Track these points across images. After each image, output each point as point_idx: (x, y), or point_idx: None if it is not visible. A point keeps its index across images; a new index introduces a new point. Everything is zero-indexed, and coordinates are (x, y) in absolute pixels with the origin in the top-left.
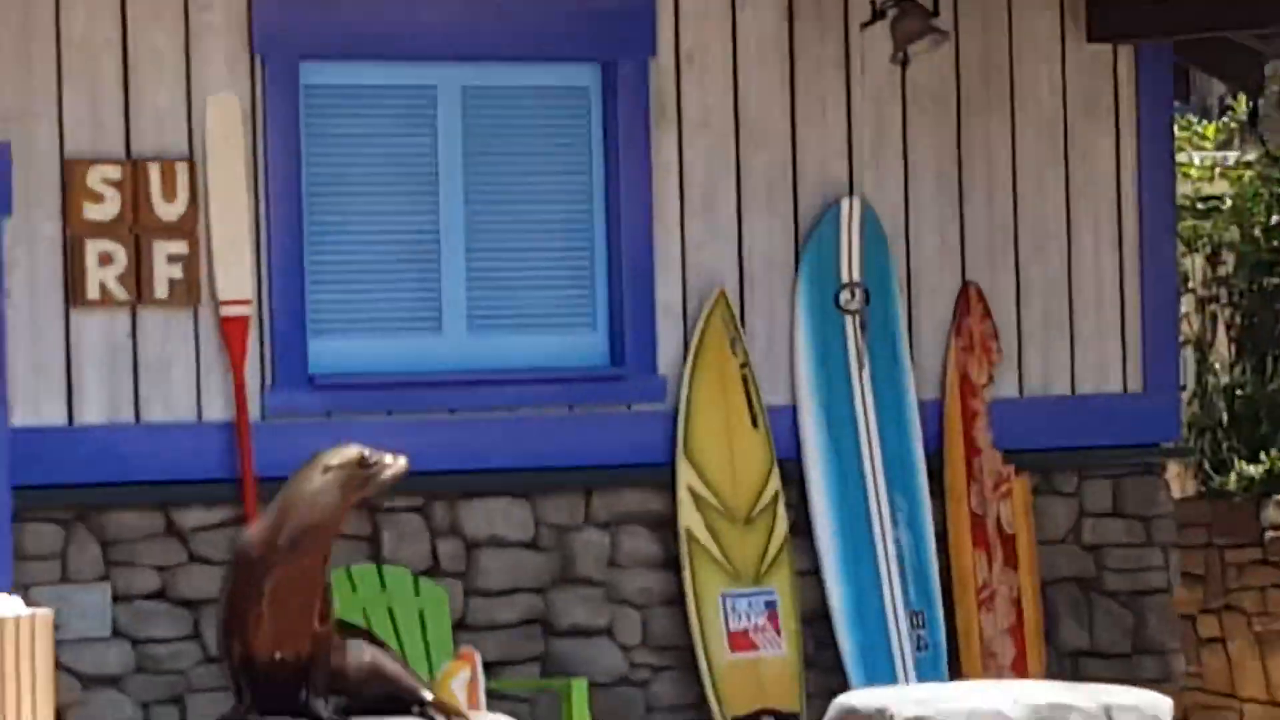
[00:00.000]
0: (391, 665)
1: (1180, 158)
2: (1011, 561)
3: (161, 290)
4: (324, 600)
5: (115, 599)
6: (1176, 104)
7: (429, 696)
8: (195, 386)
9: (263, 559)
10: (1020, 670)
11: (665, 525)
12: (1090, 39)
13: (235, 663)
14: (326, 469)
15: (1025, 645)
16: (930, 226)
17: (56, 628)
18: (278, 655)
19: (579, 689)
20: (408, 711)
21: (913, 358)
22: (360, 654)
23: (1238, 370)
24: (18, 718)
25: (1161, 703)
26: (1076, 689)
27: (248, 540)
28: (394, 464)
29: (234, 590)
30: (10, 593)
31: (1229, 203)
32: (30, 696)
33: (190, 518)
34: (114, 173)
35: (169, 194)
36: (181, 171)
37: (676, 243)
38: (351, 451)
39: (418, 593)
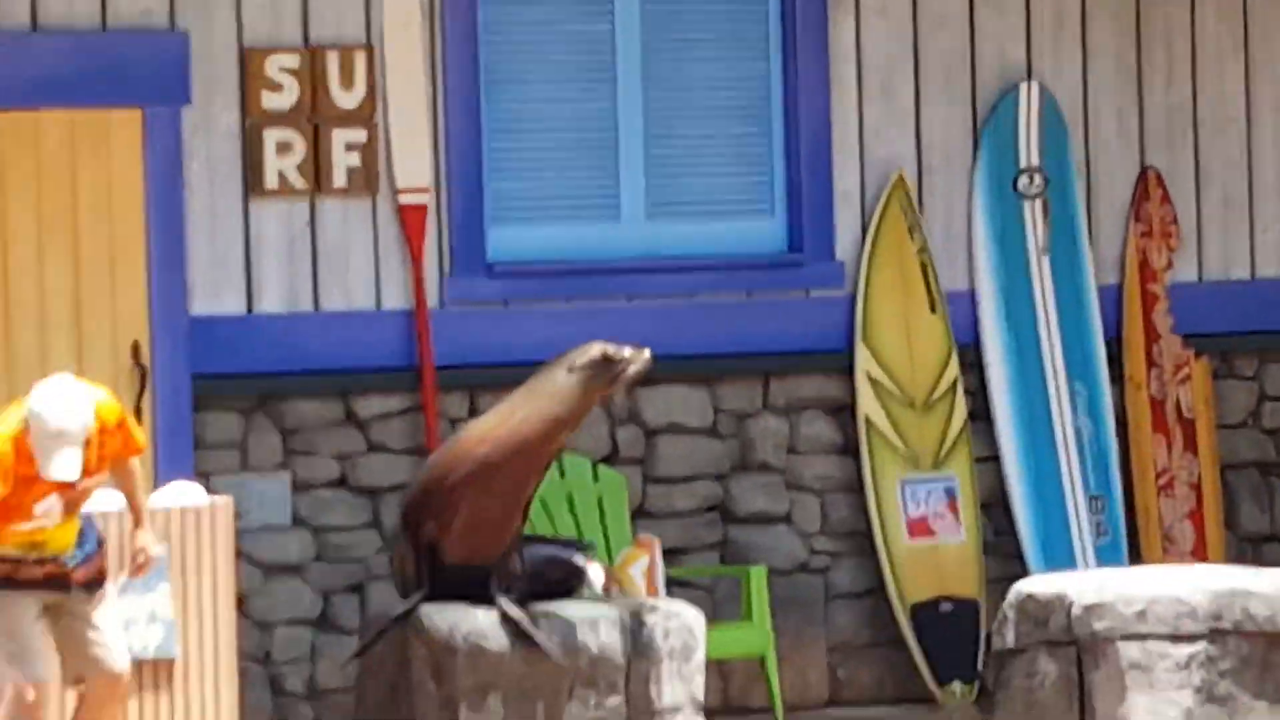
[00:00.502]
0: (556, 553)
1: None
2: (1191, 446)
3: (340, 179)
4: (527, 508)
5: (295, 488)
6: None
7: (599, 575)
8: (374, 275)
9: (487, 456)
10: (1200, 556)
11: (843, 411)
12: None
13: (421, 550)
14: (571, 369)
15: (1205, 531)
16: (1109, 111)
17: (237, 516)
18: (476, 553)
19: (758, 576)
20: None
21: (1091, 243)
22: (533, 550)
23: None
24: (199, 603)
25: None
26: (1258, 574)
27: (472, 434)
28: (638, 358)
29: (445, 481)
30: (191, 481)
31: None
32: (211, 585)
33: (369, 406)
34: (292, 61)
35: (347, 82)
36: (360, 59)
37: (854, 128)
38: (594, 349)
39: (596, 480)
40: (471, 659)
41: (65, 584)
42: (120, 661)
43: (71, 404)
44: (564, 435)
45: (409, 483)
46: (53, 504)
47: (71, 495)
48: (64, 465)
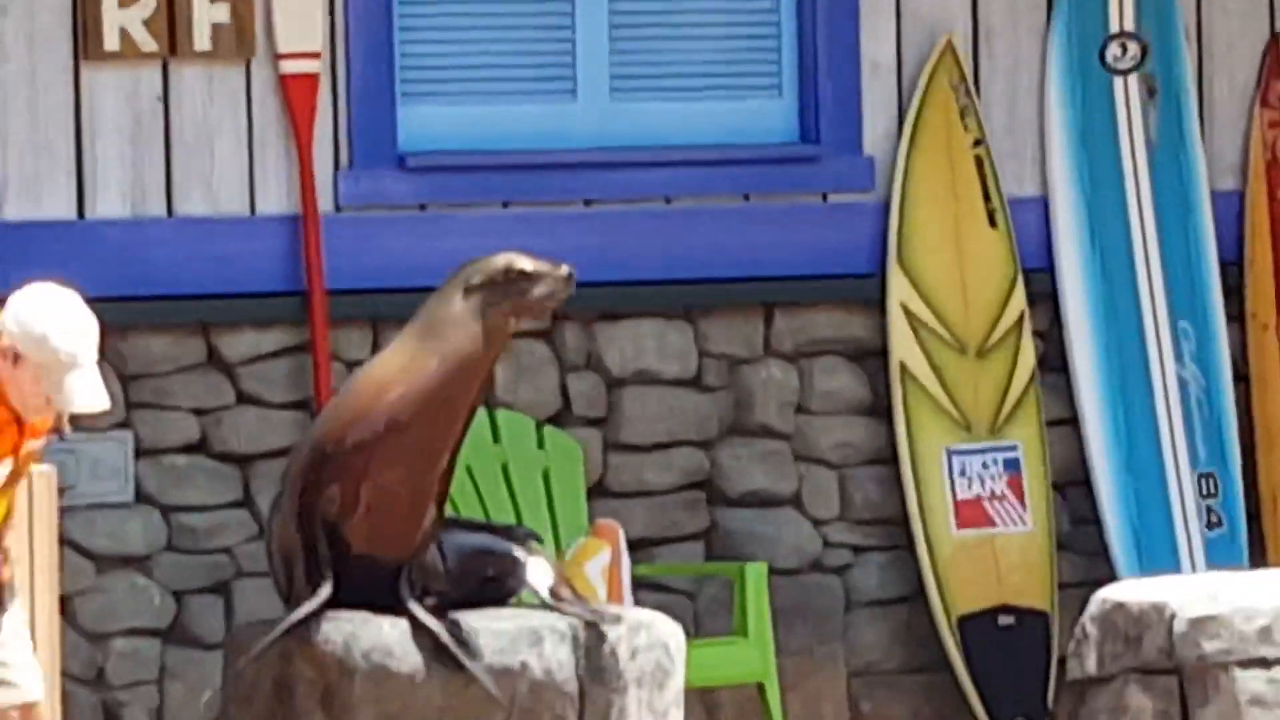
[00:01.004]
0: (498, 546)
1: None
2: None
3: (202, 40)
4: (447, 481)
5: (139, 453)
6: None
7: (545, 577)
8: (246, 169)
9: (390, 412)
10: None
11: (871, 357)
12: None
13: (314, 538)
14: (468, 289)
15: None
16: None
17: (60, 491)
18: (382, 542)
19: (755, 576)
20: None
21: (1204, 135)
22: (459, 540)
23: None
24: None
25: None
26: None
27: (367, 382)
28: (552, 274)
29: (343, 444)
30: None
31: None
32: (26, 580)
33: (239, 344)
34: None
35: None
36: None
37: None
38: (497, 262)
39: (541, 446)
40: (373, 683)
41: None
42: (34, 687)
43: (83, 316)
44: (476, 382)
45: (295, 447)
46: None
47: (26, 455)
48: (89, 392)
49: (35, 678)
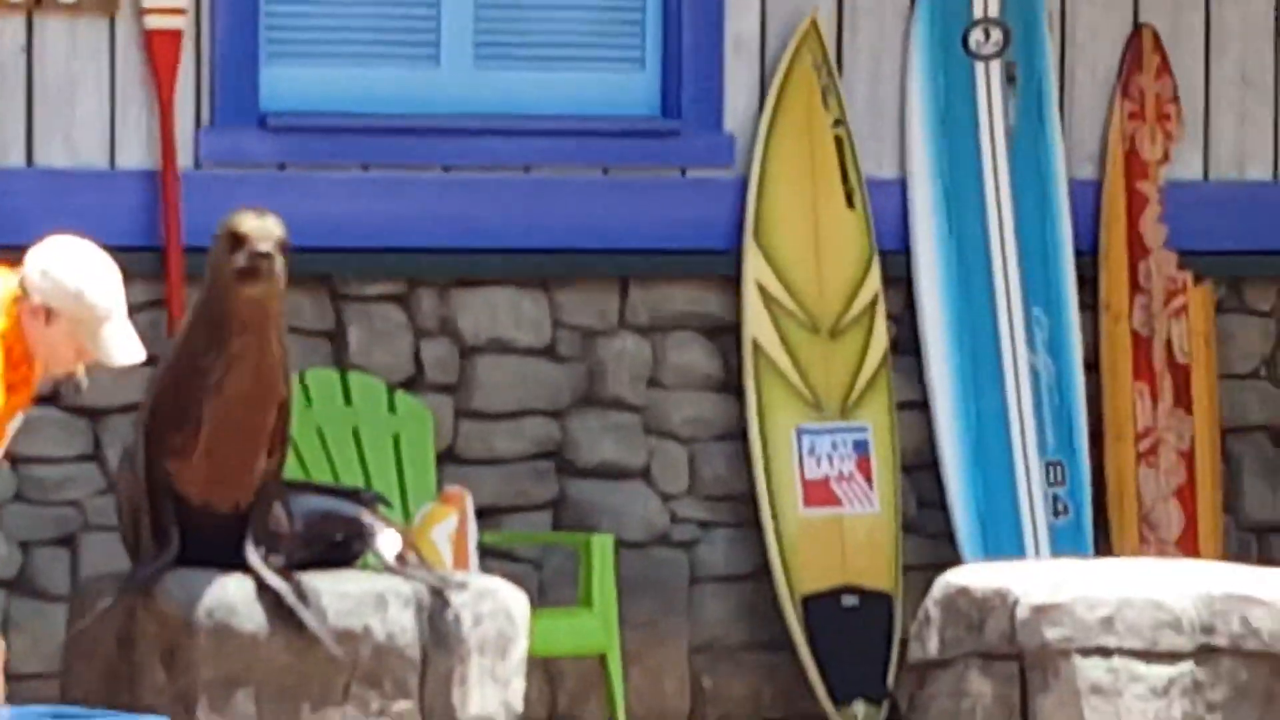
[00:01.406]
0: (333, 506)
1: None
2: (1184, 401)
3: None
4: (279, 424)
5: None
6: None
7: (391, 542)
8: (108, 122)
9: (198, 366)
10: (1189, 547)
11: (725, 333)
12: None
13: (159, 492)
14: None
15: (1196, 513)
16: None
17: None
18: (213, 498)
19: (601, 547)
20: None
21: (1064, 123)
22: (305, 502)
23: None
24: None
25: None
26: (1263, 576)
27: (179, 339)
28: (250, 251)
29: (161, 405)
30: None
31: None
32: None
33: None
34: None
35: None
36: None
37: None
38: (226, 220)
39: (393, 410)
40: (216, 642)
41: None
42: None
43: (112, 269)
44: (245, 336)
45: (140, 403)
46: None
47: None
48: (127, 345)
49: None
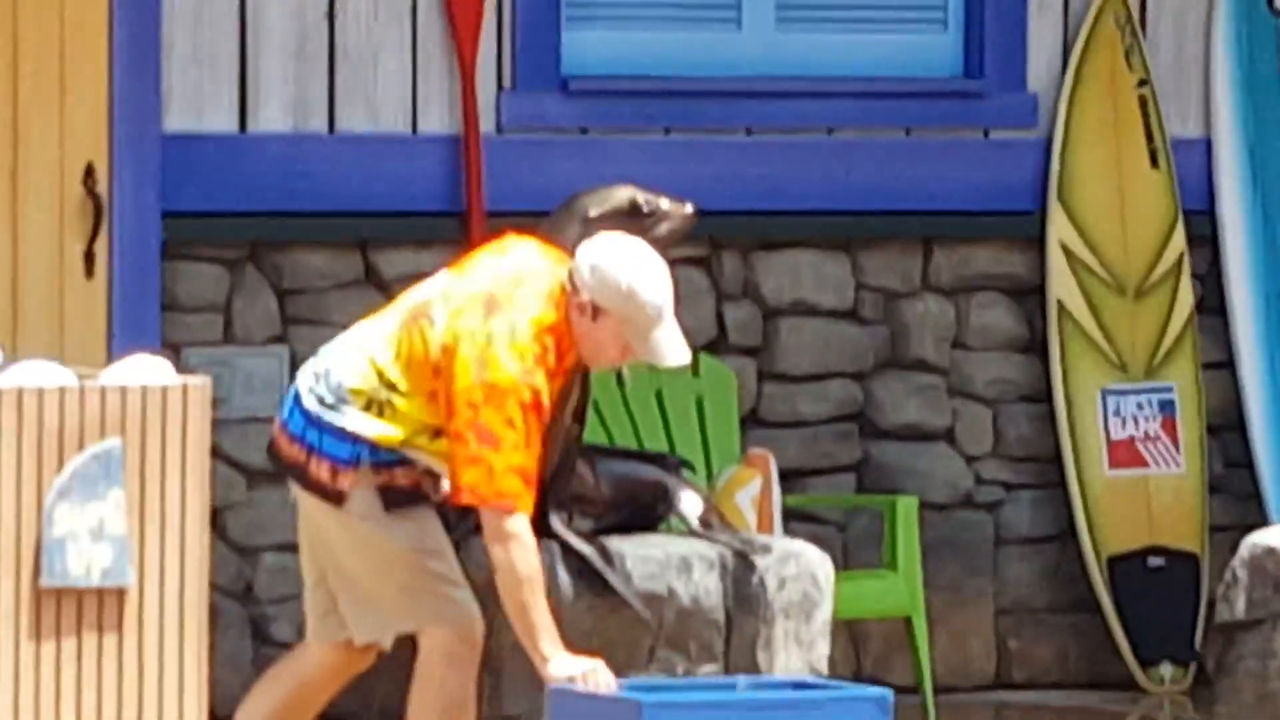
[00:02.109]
0: (642, 472)
1: None
2: None
3: None
4: (582, 392)
5: (294, 368)
6: None
7: (696, 505)
8: (410, 88)
9: None
10: None
11: (1029, 294)
12: None
13: None
14: (587, 219)
15: None
16: None
17: (215, 404)
18: None
19: (906, 510)
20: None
21: None
22: (610, 467)
23: None
24: (162, 518)
25: None
26: None
27: None
28: (677, 213)
29: None
30: (156, 354)
31: None
32: (179, 493)
33: (397, 262)
34: None
35: None
36: None
37: None
38: (620, 195)
39: (696, 374)
40: None
41: None
42: None
43: (662, 268)
44: None
45: None
46: None
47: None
48: (675, 346)
49: None
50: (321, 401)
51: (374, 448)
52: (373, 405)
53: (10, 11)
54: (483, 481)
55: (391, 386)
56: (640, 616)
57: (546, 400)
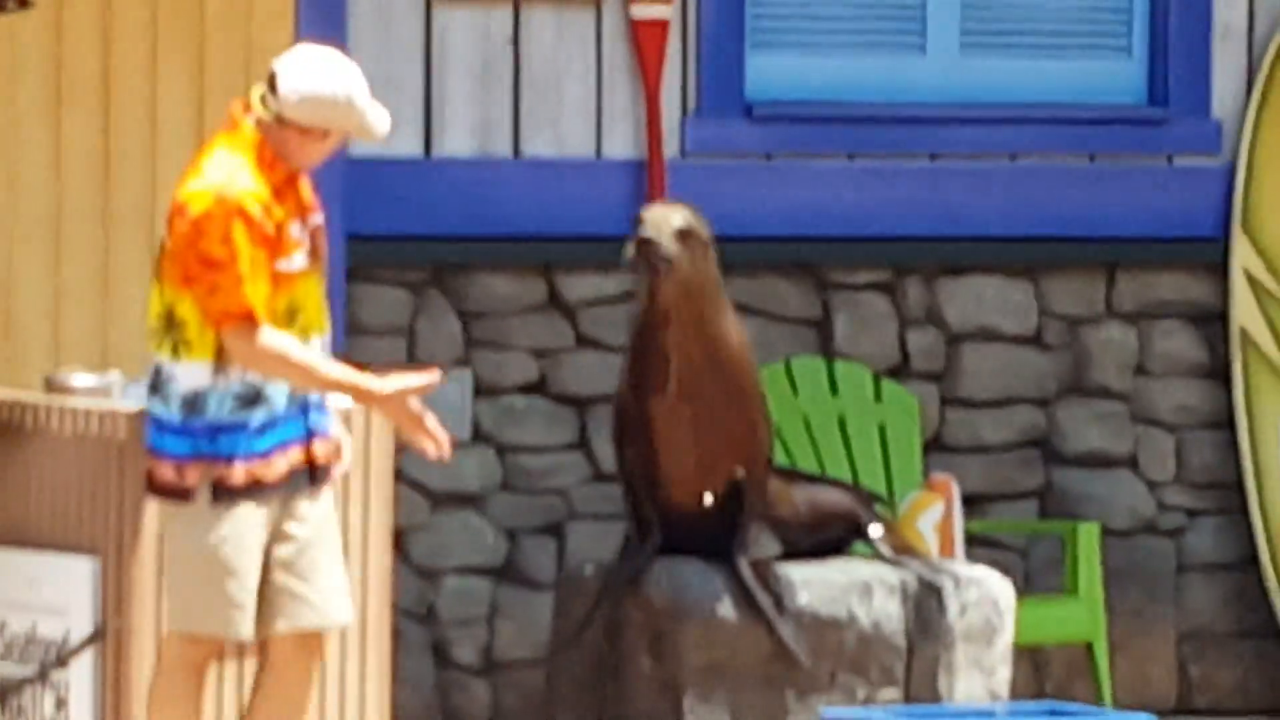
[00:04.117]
0: (834, 497)
1: None
2: None
3: None
4: (740, 419)
5: (478, 392)
6: None
7: (879, 531)
8: (594, 113)
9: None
10: None
11: (1213, 321)
12: None
13: (637, 492)
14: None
15: None
16: None
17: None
18: (679, 495)
19: (1088, 536)
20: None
21: None
22: (806, 495)
23: None
24: (344, 539)
25: None
26: None
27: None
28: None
29: (621, 404)
30: None
31: None
32: (361, 516)
33: (580, 286)
34: None
35: None
36: None
37: None
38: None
39: (879, 398)
40: (703, 631)
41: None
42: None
43: (341, 58)
44: (658, 333)
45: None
46: (300, 228)
47: (317, 229)
48: (382, 115)
49: (343, 602)
50: (152, 389)
51: (211, 435)
52: (175, 348)
53: (198, 35)
54: (228, 300)
55: (170, 317)
56: (799, 659)
57: (257, 209)
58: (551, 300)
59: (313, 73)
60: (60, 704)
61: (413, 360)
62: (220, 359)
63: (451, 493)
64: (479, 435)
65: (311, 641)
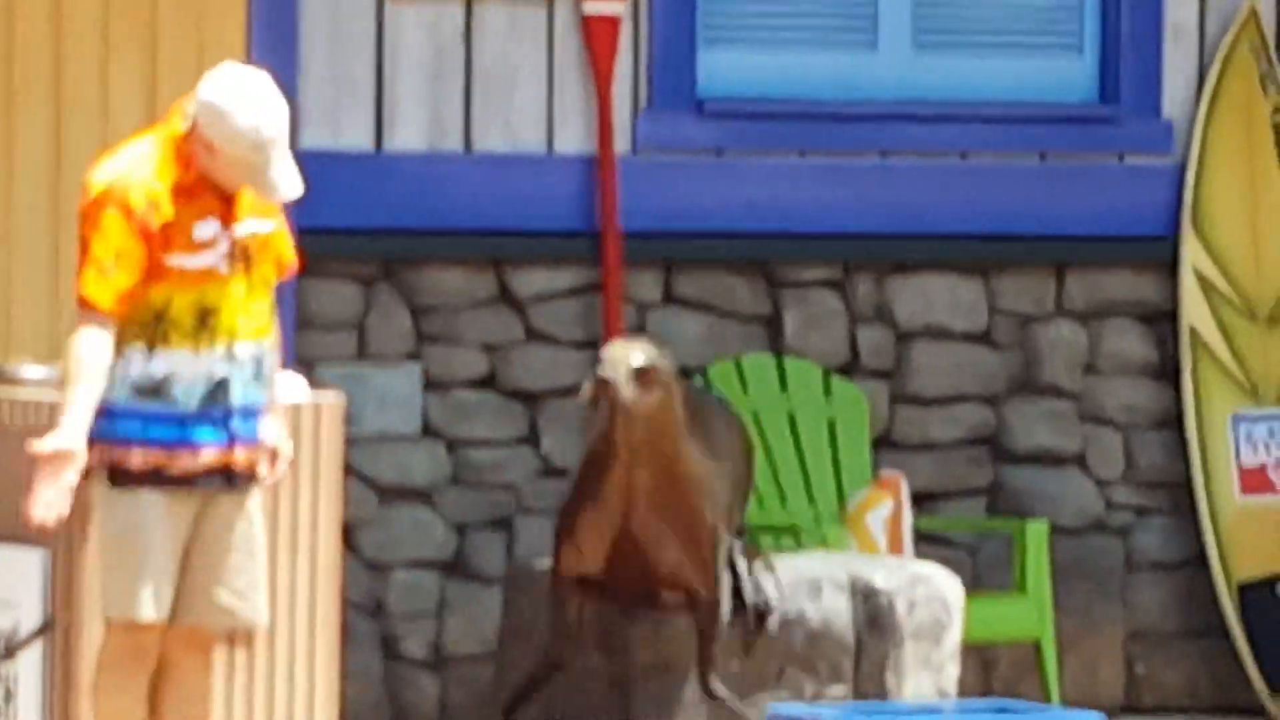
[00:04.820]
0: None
1: None
2: None
3: None
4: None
5: (427, 385)
6: None
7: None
8: (545, 108)
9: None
10: None
11: (1162, 320)
12: None
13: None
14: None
15: None
16: None
17: (348, 420)
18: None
19: (1036, 534)
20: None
21: None
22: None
23: None
24: (293, 533)
25: None
26: None
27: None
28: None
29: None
30: (290, 371)
31: None
32: (310, 509)
33: (531, 281)
34: None
35: None
36: None
37: None
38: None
39: (829, 395)
40: (653, 626)
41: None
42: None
43: (275, 100)
44: (612, 455)
45: (589, 426)
46: (216, 231)
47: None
48: (291, 179)
49: (259, 605)
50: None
51: (110, 418)
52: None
53: (149, 30)
54: (81, 285)
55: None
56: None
57: (141, 202)
58: (502, 295)
59: (235, 92)
60: (9, 696)
61: (363, 354)
62: (119, 343)
63: (401, 487)
64: (429, 429)
65: (202, 638)
